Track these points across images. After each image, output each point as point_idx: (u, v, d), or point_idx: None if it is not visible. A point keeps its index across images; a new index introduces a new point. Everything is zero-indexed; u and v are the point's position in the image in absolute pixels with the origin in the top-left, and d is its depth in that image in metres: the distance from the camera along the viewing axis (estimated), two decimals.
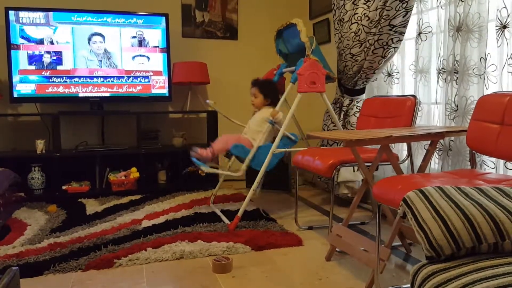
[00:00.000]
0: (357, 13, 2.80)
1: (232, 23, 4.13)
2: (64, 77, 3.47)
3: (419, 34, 2.50)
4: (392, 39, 2.59)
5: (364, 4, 2.74)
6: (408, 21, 2.53)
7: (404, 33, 2.58)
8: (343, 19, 2.99)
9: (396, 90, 2.89)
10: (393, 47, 2.63)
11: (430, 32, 2.45)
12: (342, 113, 3.12)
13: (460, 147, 2.23)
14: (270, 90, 2.93)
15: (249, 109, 4.13)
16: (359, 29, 2.76)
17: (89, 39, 3.50)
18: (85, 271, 1.98)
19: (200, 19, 4.03)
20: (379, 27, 2.60)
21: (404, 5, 2.47)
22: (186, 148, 3.72)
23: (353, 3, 2.88)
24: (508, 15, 1.92)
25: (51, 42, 3.43)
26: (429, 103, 2.51)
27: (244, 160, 2.66)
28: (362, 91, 3.07)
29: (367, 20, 2.69)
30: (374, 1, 2.63)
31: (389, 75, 2.90)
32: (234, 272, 1.97)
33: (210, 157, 2.77)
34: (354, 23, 2.83)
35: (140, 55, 3.65)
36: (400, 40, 2.61)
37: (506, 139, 1.66)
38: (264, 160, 2.61)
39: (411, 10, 2.49)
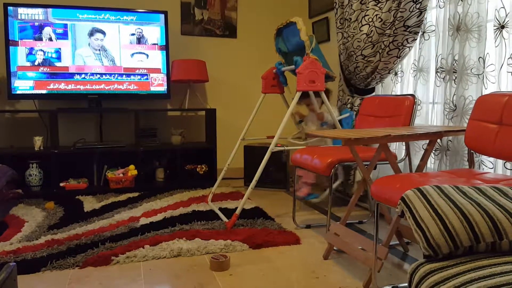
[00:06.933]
0: (367, 15, 2.77)
1: (231, 21, 4.12)
2: (63, 74, 3.46)
3: (423, 33, 2.49)
4: (407, 39, 2.56)
5: (375, 5, 2.71)
6: (423, 20, 2.50)
7: (419, 32, 2.55)
8: (350, 18, 2.96)
9: (399, 89, 2.88)
10: (408, 47, 2.60)
11: (433, 31, 2.44)
12: (354, 112, 3.11)
13: (458, 147, 2.24)
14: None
15: (248, 107, 4.13)
16: (372, 31, 2.74)
17: (91, 34, 3.49)
18: (82, 268, 1.98)
19: (199, 17, 4.02)
20: (394, 28, 2.57)
21: (418, 6, 2.44)
22: (184, 146, 3.73)
23: (360, 2, 2.85)
24: (506, 15, 1.92)
25: (50, 39, 3.42)
26: (427, 103, 2.51)
27: None
28: (372, 90, 3.06)
29: (379, 22, 2.66)
30: (386, 3, 2.61)
31: (395, 73, 2.89)
32: (232, 270, 1.97)
33: (309, 191, 3.13)
34: (365, 24, 2.80)
35: (139, 52, 3.64)
36: (414, 40, 2.58)
37: (504, 139, 1.66)
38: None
39: (425, 10, 2.46)
